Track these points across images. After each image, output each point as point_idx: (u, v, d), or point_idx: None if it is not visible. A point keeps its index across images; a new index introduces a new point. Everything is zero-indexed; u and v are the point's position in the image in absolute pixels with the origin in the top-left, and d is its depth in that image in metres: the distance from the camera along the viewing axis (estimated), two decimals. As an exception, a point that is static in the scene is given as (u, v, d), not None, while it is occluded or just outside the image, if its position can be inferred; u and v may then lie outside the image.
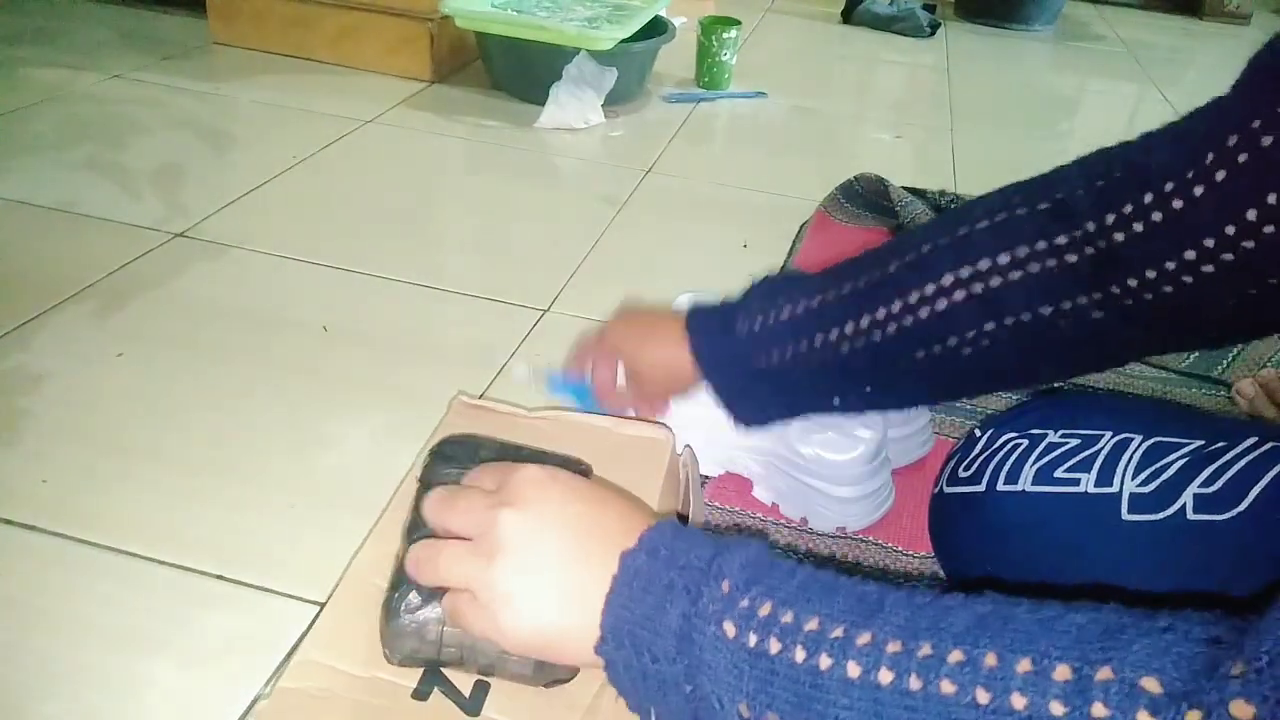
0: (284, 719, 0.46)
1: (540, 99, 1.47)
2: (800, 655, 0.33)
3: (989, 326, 0.49)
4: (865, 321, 0.53)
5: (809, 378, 0.56)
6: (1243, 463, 0.46)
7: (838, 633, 0.33)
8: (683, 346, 0.61)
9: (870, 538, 0.71)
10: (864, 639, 0.33)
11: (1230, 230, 0.41)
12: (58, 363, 0.83)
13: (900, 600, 0.34)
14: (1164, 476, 0.49)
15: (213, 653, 0.58)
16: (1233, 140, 0.40)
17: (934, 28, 2.27)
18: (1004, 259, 0.48)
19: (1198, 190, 0.42)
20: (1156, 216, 0.43)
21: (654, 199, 1.28)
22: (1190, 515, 0.47)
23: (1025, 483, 0.54)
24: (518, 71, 1.55)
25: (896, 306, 0.52)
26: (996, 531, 0.56)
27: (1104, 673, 0.28)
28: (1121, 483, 0.50)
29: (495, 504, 0.41)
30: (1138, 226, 0.44)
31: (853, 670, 0.32)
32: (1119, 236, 0.45)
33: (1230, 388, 0.91)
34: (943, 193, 1.24)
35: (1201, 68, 2.38)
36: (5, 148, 1.24)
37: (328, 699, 0.46)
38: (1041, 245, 0.47)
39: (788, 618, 0.34)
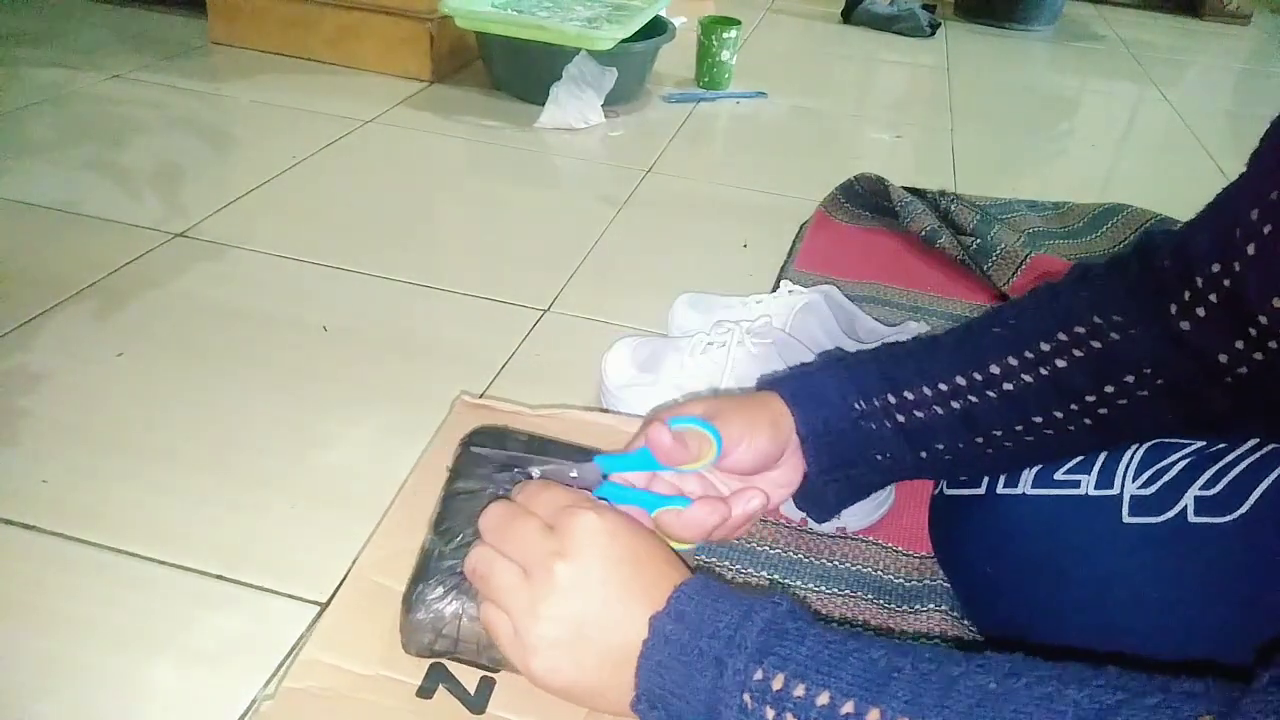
0: (290, 718, 0.46)
1: (540, 99, 1.47)
2: None
3: (1109, 389, 0.49)
4: (961, 380, 0.51)
5: (897, 437, 0.52)
6: (1244, 464, 0.46)
7: (848, 708, 0.34)
8: (769, 401, 0.52)
9: (870, 538, 0.71)
10: (873, 717, 0.34)
11: (1278, 303, 0.41)
12: (58, 363, 0.83)
13: (906, 670, 0.35)
14: (1165, 478, 0.49)
15: (213, 653, 0.58)
16: (1255, 214, 0.42)
17: (934, 28, 2.27)
18: (1098, 319, 0.49)
19: (1237, 266, 0.43)
20: (1213, 298, 0.45)
21: (654, 199, 1.28)
22: (1191, 518, 0.46)
23: (1025, 485, 0.54)
24: (518, 71, 1.55)
25: (997, 367, 0.50)
26: (997, 534, 0.56)
27: None
28: (1122, 485, 0.50)
29: (552, 552, 0.42)
30: (1200, 312, 0.45)
31: None
32: (1185, 325, 0.46)
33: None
34: (943, 193, 1.24)
35: (1201, 68, 2.38)
36: (5, 148, 1.23)
37: (333, 698, 0.46)
38: (1133, 310, 0.48)
39: (799, 691, 0.36)
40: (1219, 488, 0.46)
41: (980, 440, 0.52)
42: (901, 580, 0.68)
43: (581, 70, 1.47)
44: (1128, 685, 0.32)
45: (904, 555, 0.70)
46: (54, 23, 1.72)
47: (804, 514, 0.72)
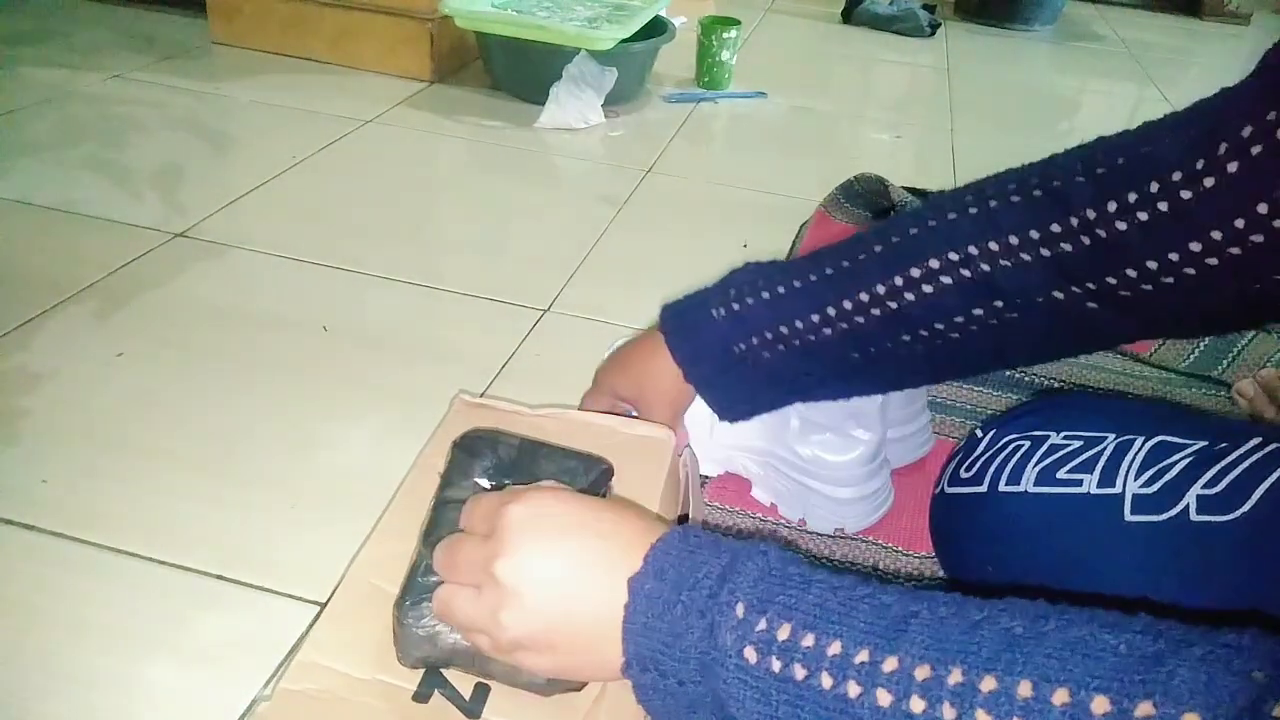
0: (285, 720, 0.46)
1: (540, 99, 1.47)
2: (827, 682, 0.32)
3: (976, 312, 0.49)
4: (847, 304, 0.52)
5: (788, 363, 0.56)
6: (1246, 464, 0.46)
7: (863, 657, 0.32)
8: (667, 355, 0.60)
9: (870, 538, 0.71)
10: (891, 665, 0.31)
11: (1239, 224, 0.40)
12: (58, 363, 0.83)
13: (923, 615, 0.33)
14: (1167, 477, 0.49)
15: (213, 653, 0.58)
16: (1247, 131, 0.40)
17: (934, 28, 2.27)
18: (994, 245, 0.48)
19: (1208, 181, 0.41)
20: (1163, 206, 0.42)
21: (654, 199, 1.28)
22: (1193, 516, 0.46)
23: (1027, 484, 0.54)
24: (518, 71, 1.55)
25: (880, 289, 0.51)
26: (998, 533, 0.56)
27: (1144, 707, 0.28)
28: (1124, 484, 0.50)
29: (489, 556, 0.40)
30: (1142, 215, 0.43)
31: (883, 698, 0.31)
32: (1121, 225, 0.44)
33: (1230, 388, 0.91)
34: (943, 193, 1.24)
35: (1201, 68, 2.38)
36: (5, 148, 1.23)
37: (329, 701, 0.46)
38: (1034, 234, 0.47)
39: (808, 641, 0.33)
40: (1221, 486, 0.46)
41: (856, 358, 0.54)
42: (901, 580, 0.68)
43: (581, 70, 1.47)
44: (1167, 633, 0.29)
45: (904, 555, 0.70)
46: (54, 23, 1.72)
47: (802, 515, 0.73)
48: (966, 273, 0.49)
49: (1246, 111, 0.40)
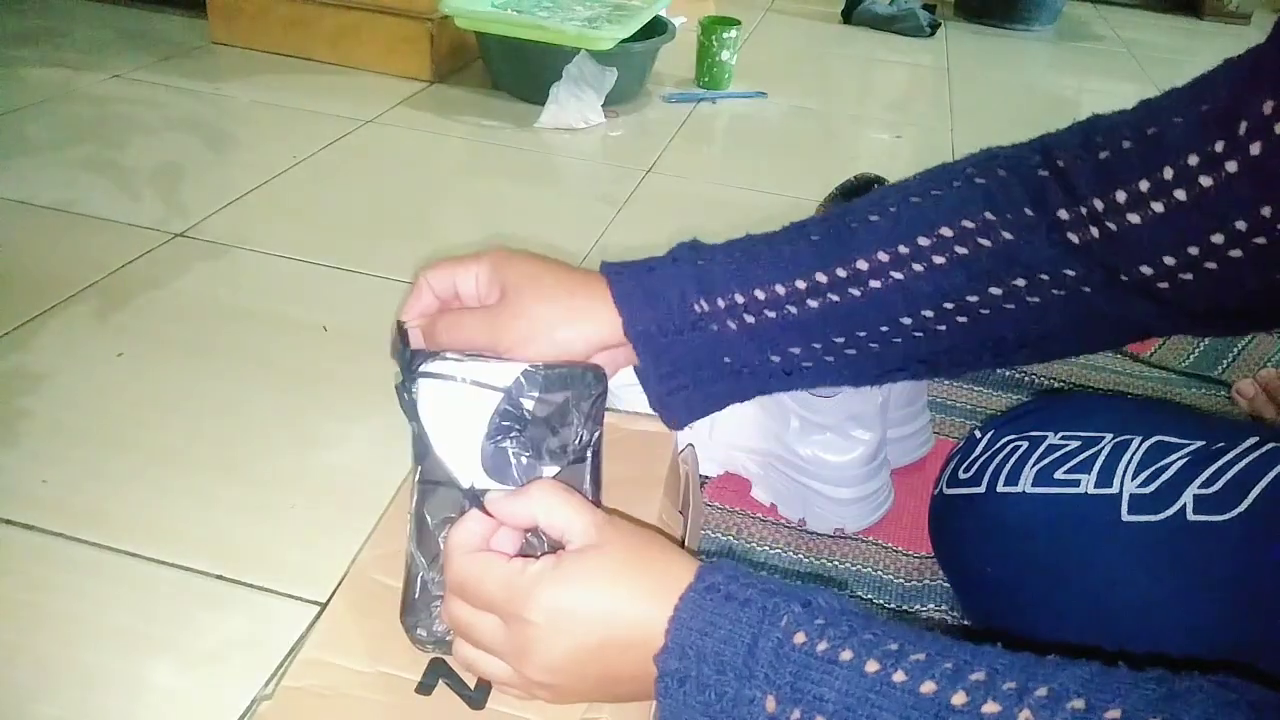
0: (289, 718, 0.46)
1: (540, 99, 1.47)
2: None
3: (994, 291, 0.43)
4: (840, 271, 0.45)
5: (755, 340, 0.47)
6: (1243, 463, 0.46)
7: None
8: (596, 294, 0.48)
9: (870, 538, 0.71)
10: None
11: (1266, 212, 0.36)
12: (58, 363, 0.83)
13: (963, 709, 0.32)
14: (1164, 477, 0.49)
15: (213, 653, 0.58)
16: (1269, 107, 0.36)
17: (934, 28, 2.27)
18: (991, 215, 0.42)
19: (1230, 166, 0.37)
20: (1180, 195, 0.38)
21: (654, 199, 1.28)
22: (1190, 516, 0.46)
23: (1025, 484, 0.54)
24: (518, 71, 1.55)
25: (882, 257, 0.44)
26: (996, 533, 0.56)
27: None
28: (1122, 484, 0.50)
29: (517, 654, 0.40)
30: (1157, 206, 0.38)
31: None
32: (1134, 218, 0.39)
33: (1230, 388, 0.91)
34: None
35: (1201, 68, 2.35)
36: (5, 148, 1.23)
37: (332, 696, 0.46)
38: (1030, 214, 0.42)
39: None
40: (1218, 486, 0.46)
41: (841, 341, 0.46)
42: (901, 580, 0.68)
43: (581, 70, 1.47)
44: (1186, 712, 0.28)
45: (904, 555, 0.70)
46: (54, 23, 1.72)
47: (802, 515, 0.73)
48: (986, 241, 0.42)
49: (1268, 84, 0.36)
